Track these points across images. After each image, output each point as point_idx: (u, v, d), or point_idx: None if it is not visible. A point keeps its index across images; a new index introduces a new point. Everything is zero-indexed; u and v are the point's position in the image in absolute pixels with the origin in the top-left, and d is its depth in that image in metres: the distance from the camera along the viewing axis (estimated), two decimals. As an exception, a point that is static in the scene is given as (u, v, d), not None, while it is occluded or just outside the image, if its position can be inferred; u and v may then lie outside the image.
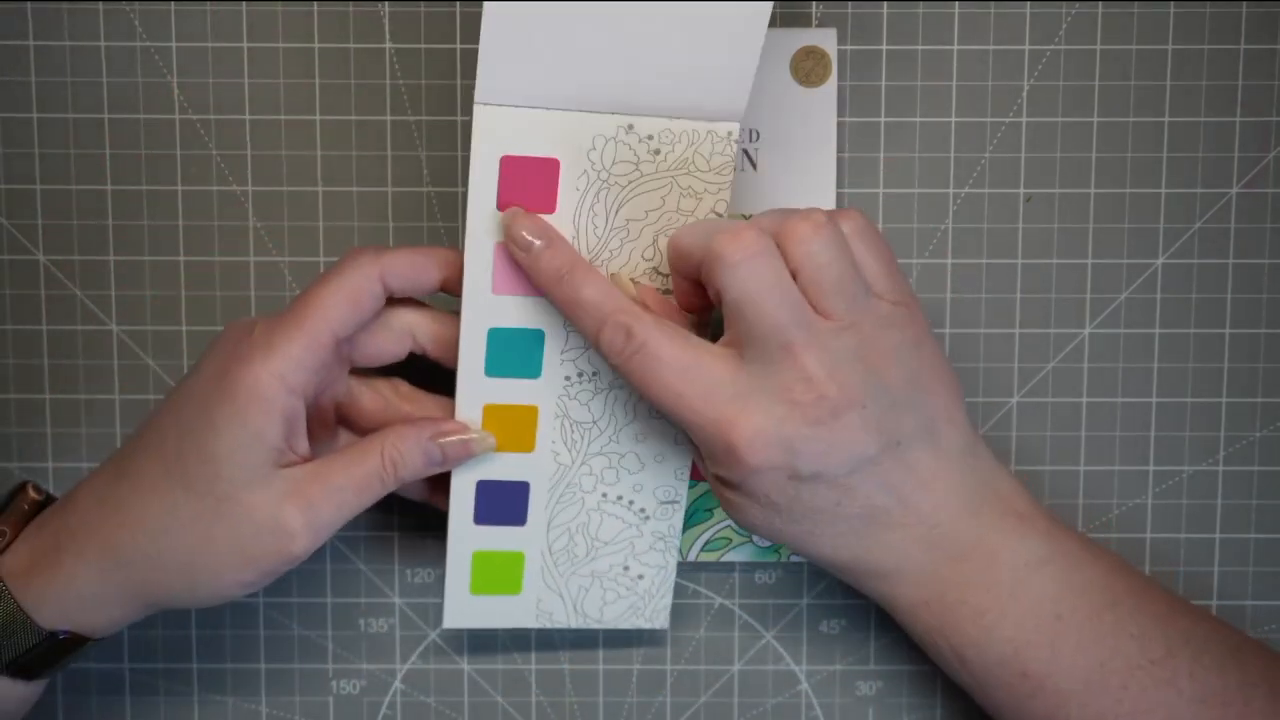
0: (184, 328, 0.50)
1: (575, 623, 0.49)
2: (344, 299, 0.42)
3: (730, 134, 0.42)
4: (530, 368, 0.45)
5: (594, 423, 0.46)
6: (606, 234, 0.43)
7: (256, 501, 0.41)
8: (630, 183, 0.42)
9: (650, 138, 0.42)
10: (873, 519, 0.42)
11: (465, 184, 0.45)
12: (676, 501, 0.47)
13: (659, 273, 0.44)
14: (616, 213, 0.43)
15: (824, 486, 0.41)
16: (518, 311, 0.44)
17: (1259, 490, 0.50)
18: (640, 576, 0.48)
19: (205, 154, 0.49)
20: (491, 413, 0.45)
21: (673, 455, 0.46)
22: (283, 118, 0.49)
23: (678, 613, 0.51)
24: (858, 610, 0.51)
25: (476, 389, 0.45)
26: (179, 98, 0.49)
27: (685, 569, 0.51)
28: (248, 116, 0.49)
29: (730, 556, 0.50)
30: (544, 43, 0.40)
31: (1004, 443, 0.50)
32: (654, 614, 0.49)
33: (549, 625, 0.49)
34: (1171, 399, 0.50)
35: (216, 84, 0.49)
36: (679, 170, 0.42)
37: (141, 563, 0.42)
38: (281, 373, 0.41)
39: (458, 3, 0.49)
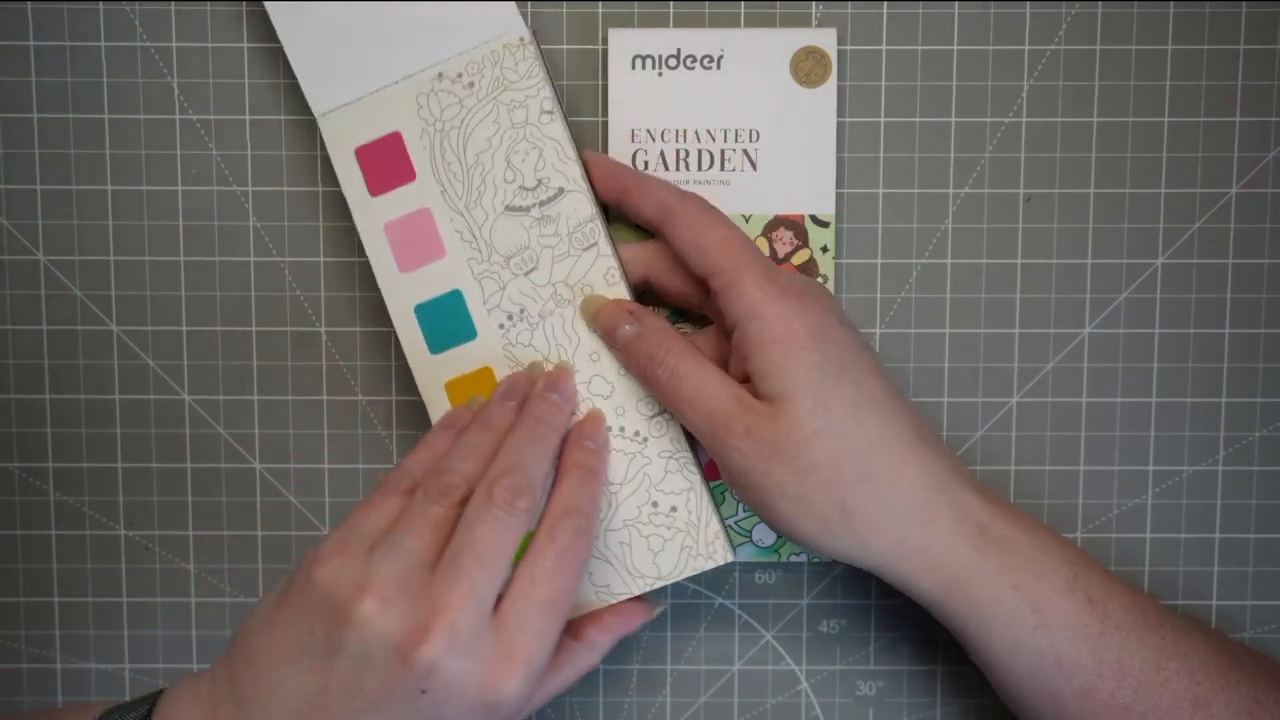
0: (184, 328, 0.50)
1: (638, 587, 0.46)
2: (577, 580, 0.41)
3: (522, 39, 0.46)
4: (465, 330, 0.46)
5: (545, 360, 0.46)
6: (466, 175, 0.46)
7: None
8: (463, 121, 0.46)
9: (459, 75, 0.46)
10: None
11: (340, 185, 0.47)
12: (663, 412, 0.46)
13: (523, 189, 0.46)
14: (465, 152, 0.46)
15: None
16: (431, 280, 0.46)
17: (1259, 490, 0.50)
18: (673, 509, 0.46)
19: (205, 154, 0.49)
20: (454, 388, 0.46)
21: None
22: (283, 118, 0.49)
23: (678, 613, 0.51)
24: (858, 610, 0.51)
25: (430, 372, 0.46)
26: (179, 98, 0.49)
27: (685, 569, 0.51)
28: (248, 116, 0.49)
29: (730, 556, 0.50)
30: (336, 47, 0.46)
31: (1004, 443, 0.50)
32: (710, 549, 0.46)
33: (612, 599, 0.47)
34: (1171, 399, 0.50)
35: (216, 84, 0.49)
36: (497, 90, 0.46)
37: None
38: (533, 685, 0.40)
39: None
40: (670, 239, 0.45)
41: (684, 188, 0.48)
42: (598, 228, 0.46)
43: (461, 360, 0.46)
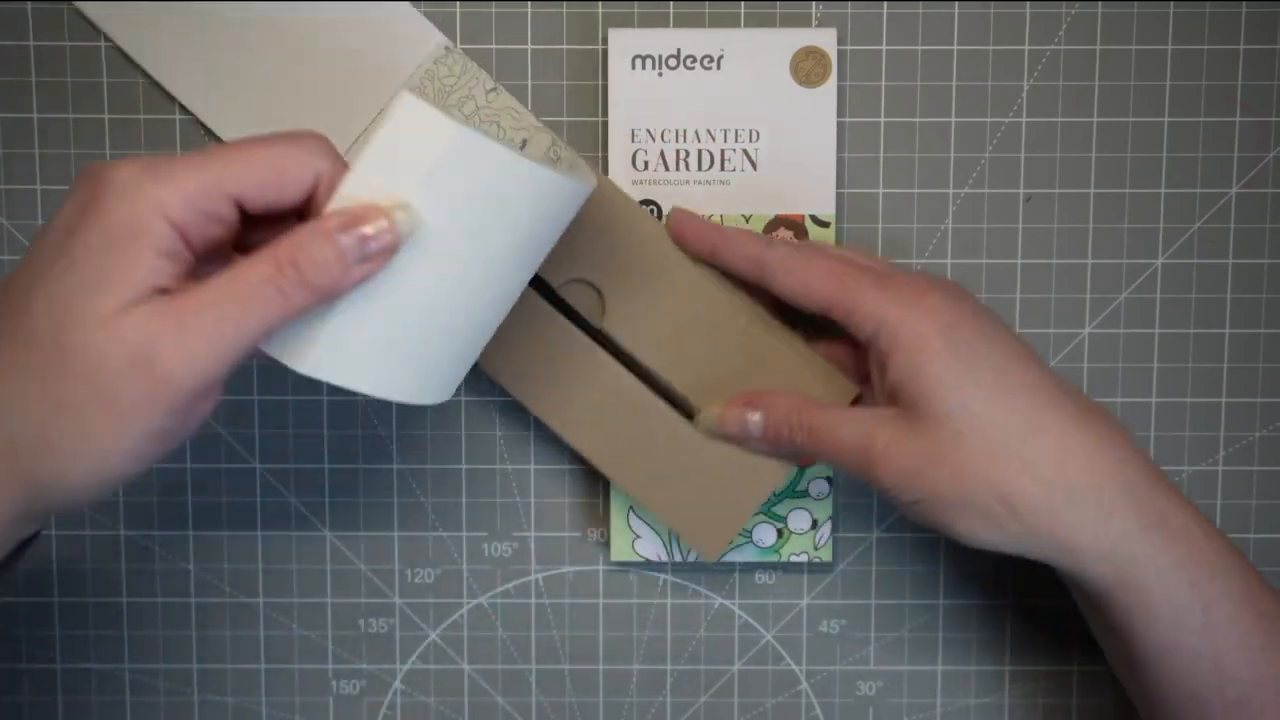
0: (184, 328, 0.50)
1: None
2: (268, 164, 0.36)
3: (447, 48, 0.48)
4: None
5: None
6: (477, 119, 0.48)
7: (114, 339, 0.33)
8: (470, 112, 0.48)
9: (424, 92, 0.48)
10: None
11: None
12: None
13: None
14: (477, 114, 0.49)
15: None
16: None
17: (1259, 490, 0.50)
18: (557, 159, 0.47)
19: (205, 154, 0.49)
20: None
21: None
22: (283, 118, 0.49)
23: (677, 613, 0.51)
24: (858, 610, 0.51)
25: None
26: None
27: (685, 569, 0.51)
28: (248, 116, 0.49)
29: (730, 557, 0.50)
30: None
31: (1004, 443, 0.50)
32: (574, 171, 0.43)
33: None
34: (1171, 399, 0.50)
35: (216, 84, 0.49)
36: (442, 96, 0.48)
37: None
38: (163, 200, 0.34)
39: (456, 3, 0.49)
40: (773, 289, 0.44)
41: (684, 188, 0.48)
42: (559, 149, 0.48)
43: None
